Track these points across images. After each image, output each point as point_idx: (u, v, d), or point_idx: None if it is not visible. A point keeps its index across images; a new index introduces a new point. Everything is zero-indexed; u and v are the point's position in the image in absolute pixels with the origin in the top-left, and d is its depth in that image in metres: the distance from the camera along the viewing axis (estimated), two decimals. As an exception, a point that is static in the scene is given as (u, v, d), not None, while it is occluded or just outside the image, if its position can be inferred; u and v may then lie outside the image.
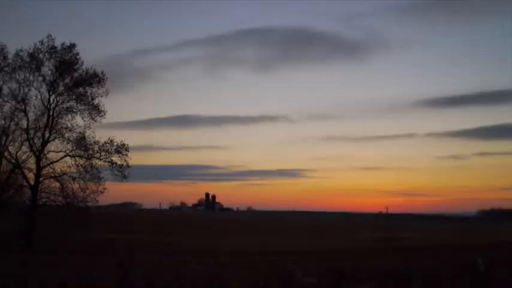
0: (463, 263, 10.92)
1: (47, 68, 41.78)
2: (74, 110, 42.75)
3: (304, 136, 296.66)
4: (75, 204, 41.81)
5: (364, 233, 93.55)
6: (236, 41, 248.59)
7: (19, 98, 41.72)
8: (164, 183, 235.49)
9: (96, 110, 42.65)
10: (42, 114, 42.21)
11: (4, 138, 41.94)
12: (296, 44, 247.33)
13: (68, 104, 42.80)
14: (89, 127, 42.65)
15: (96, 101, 42.66)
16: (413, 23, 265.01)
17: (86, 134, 42.56)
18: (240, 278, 8.80)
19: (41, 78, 41.87)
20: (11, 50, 41.62)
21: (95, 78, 42.53)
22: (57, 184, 42.47)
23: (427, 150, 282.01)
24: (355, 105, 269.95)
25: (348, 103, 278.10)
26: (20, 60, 41.17)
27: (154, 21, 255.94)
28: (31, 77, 41.66)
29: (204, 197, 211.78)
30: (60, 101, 42.63)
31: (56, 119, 42.54)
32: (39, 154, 42.12)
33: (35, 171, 42.08)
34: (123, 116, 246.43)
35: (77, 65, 42.33)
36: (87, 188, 41.84)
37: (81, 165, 42.32)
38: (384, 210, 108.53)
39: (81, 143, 42.58)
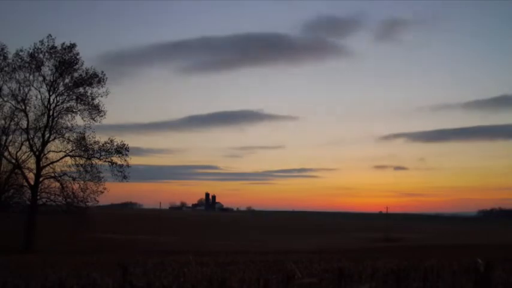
0: (463, 263, 10.91)
1: (47, 68, 41.98)
2: (74, 110, 42.91)
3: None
4: (75, 204, 41.87)
5: (364, 233, 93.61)
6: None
7: (19, 98, 41.83)
8: (164, 183, 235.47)
9: (96, 110, 42.79)
10: (42, 114, 42.31)
11: (4, 138, 42.06)
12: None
13: (68, 104, 42.98)
14: (89, 127, 42.82)
15: (96, 101, 42.83)
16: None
17: (86, 134, 42.72)
18: (240, 278, 8.79)
19: (41, 78, 42.04)
20: (11, 50, 41.86)
21: (95, 78, 42.63)
22: (57, 184, 42.60)
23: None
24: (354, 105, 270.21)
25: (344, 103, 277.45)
26: (20, 60, 41.33)
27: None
28: (31, 77, 41.83)
29: (204, 197, 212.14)
30: (60, 101, 42.75)
31: (56, 119, 42.66)
32: (39, 154, 42.15)
33: (35, 171, 42.13)
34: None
35: (77, 65, 42.46)
36: (87, 188, 41.94)
37: (81, 165, 42.41)
38: (384, 210, 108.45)
39: (81, 143, 42.65)
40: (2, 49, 41.19)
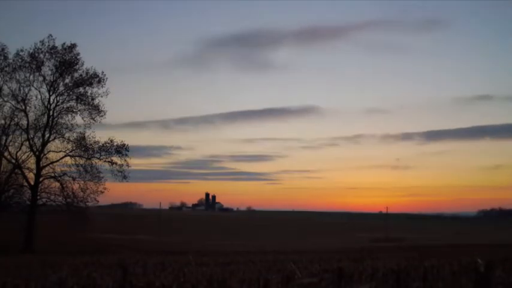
0: (463, 263, 10.93)
1: (47, 68, 41.96)
2: (74, 110, 42.89)
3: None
4: (75, 204, 41.86)
5: (364, 233, 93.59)
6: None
7: (19, 98, 41.80)
8: (164, 183, 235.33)
9: (96, 110, 42.77)
10: (42, 114, 42.31)
11: (4, 138, 42.02)
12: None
13: (68, 104, 42.96)
14: (89, 127, 42.82)
15: (96, 101, 42.82)
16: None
17: (86, 134, 42.71)
18: (240, 278, 8.80)
19: (41, 78, 42.02)
20: (12, 50, 41.87)
21: (95, 79, 42.62)
22: (57, 184, 42.57)
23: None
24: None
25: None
26: (20, 60, 41.30)
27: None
28: (31, 77, 41.81)
29: (204, 197, 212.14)
30: (60, 101, 42.74)
31: (56, 119, 42.64)
32: (39, 154, 42.14)
33: (35, 171, 42.12)
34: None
35: (77, 65, 42.45)
36: (87, 188, 41.92)
37: (81, 165, 42.39)
38: (384, 210, 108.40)
39: (81, 143, 42.63)
40: (3, 49, 41.24)
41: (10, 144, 42.37)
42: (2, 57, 41.17)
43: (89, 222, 42.94)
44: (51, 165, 42.86)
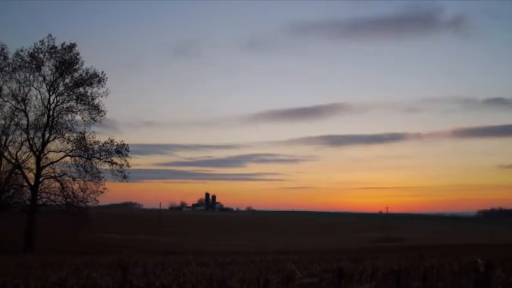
0: (463, 263, 10.92)
1: (47, 68, 41.86)
2: (74, 110, 42.81)
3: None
4: (75, 204, 41.83)
5: (364, 233, 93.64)
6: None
7: (19, 98, 41.74)
8: (164, 183, 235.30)
9: (96, 110, 42.73)
10: (42, 114, 42.24)
11: (4, 138, 41.99)
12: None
13: (68, 104, 42.87)
14: (89, 127, 42.77)
15: (96, 101, 42.78)
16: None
17: (86, 134, 42.68)
18: (240, 278, 8.80)
19: (41, 78, 41.94)
20: (11, 50, 41.72)
21: (95, 78, 42.58)
22: (57, 184, 42.50)
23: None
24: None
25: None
26: (20, 60, 41.22)
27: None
28: (31, 77, 41.72)
29: (204, 197, 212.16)
30: (60, 101, 42.68)
31: (56, 119, 42.56)
32: (39, 154, 42.11)
33: (35, 171, 42.07)
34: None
35: (77, 65, 42.40)
36: (87, 188, 41.86)
37: (81, 165, 42.37)
38: (384, 210, 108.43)
39: (81, 143, 42.61)
40: (2, 49, 41.16)
41: (10, 144, 42.35)
42: (2, 57, 41.14)
43: (89, 222, 42.90)
44: (51, 165, 42.82)
